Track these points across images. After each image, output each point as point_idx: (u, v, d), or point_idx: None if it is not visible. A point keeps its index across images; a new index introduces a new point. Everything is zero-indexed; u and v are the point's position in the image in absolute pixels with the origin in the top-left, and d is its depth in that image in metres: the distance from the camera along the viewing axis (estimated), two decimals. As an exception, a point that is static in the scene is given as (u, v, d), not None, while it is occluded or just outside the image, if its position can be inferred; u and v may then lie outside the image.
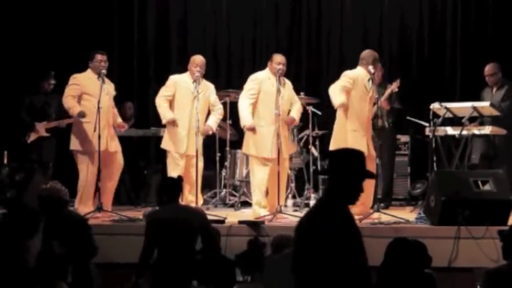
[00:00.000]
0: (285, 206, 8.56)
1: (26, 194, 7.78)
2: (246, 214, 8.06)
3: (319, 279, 3.51)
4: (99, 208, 7.63)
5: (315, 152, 9.36)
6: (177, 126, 7.97)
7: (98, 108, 7.61)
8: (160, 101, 8.05)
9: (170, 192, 5.75)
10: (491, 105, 8.13)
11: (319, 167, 9.33)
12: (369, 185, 7.69)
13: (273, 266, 5.53)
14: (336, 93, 7.50)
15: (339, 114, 7.67)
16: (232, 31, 10.74)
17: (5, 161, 8.99)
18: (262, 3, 10.72)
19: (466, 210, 6.73)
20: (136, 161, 9.80)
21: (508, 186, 7.07)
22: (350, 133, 7.56)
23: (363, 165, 3.72)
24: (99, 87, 7.75)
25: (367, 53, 7.74)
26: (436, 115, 8.23)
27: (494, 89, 8.62)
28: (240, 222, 7.15)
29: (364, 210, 7.48)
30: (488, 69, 8.64)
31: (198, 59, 8.05)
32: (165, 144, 8.11)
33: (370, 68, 7.59)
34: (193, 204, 7.58)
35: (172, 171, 7.90)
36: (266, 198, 7.77)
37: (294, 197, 9.13)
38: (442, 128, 8.20)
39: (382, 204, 8.08)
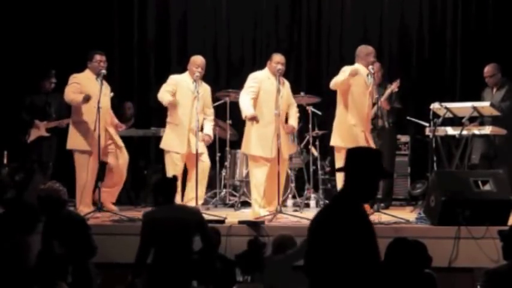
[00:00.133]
0: (285, 206, 8.57)
1: (25, 194, 7.77)
2: (246, 214, 8.06)
3: (333, 276, 3.50)
4: (99, 208, 7.64)
5: (315, 152, 9.36)
6: (175, 122, 7.97)
7: (98, 108, 7.60)
8: (162, 92, 8.00)
9: (166, 193, 5.74)
10: (492, 105, 8.13)
11: (319, 167, 9.33)
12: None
13: (273, 266, 5.54)
14: (339, 76, 7.50)
15: (340, 109, 7.68)
16: (232, 31, 10.74)
17: (5, 161, 8.99)
18: (262, 3, 10.72)
19: (466, 210, 6.72)
20: (136, 161, 9.80)
21: (508, 186, 7.06)
22: (350, 128, 7.57)
23: (379, 164, 3.72)
24: (98, 87, 7.74)
25: (359, 49, 7.78)
26: (436, 115, 8.23)
27: (495, 90, 8.62)
28: (240, 222, 7.14)
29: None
30: (487, 70, 8.64)
31: (198, 60, 8.04)
32: (165, 144, 8.10)
33: (370, 68, 7.61)
34: (192, 203, 7.59)
35: (171, 171, 7.90)
36: (264, 198, 7.77)
37: (294, 197, 9.13)
38: (442, 128, 8.20)
39: (382, 204, 8.08)
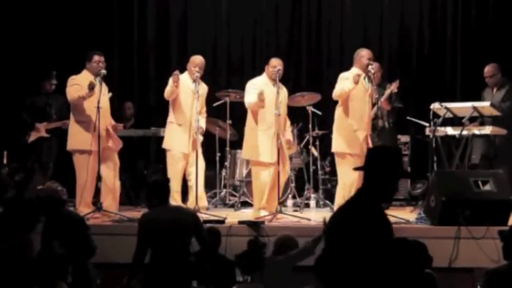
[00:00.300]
0: (285, 206, 8.56)
1: (25, 194, 7.77)
2: (246, 214, 8.06)
3: (350, 275, 3.50)
4: (99, 208, 7.63)
5: (315, 152, 9.36)
6: (178, 122, 7.97)
7: (98, 108, 7.60)
8: (167, 87, 8.00)
9: (160, 195, 5.73)
10: (492, 105, 8.12)
11: (319, 167, 9.33)
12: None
13: (274, 267, 5.53)
14: (341, 87, 7.49)
15: (338, 113, 7.66)
16: (232, 31, 10.73)
17: (5, 161, 8.99)
18: (262, 3, 10.71)
19: (466, 211, 6.72)
20: (136, 161, 9.80)
21: (509, 186, 7.06)
22: (353, 133, 7.55)
23: (399, 164, 3.71)
24: (97, 87, 7.73)
25: (355, 53, 7.76)
26: (436, 115, 8.23)
27: (495, 90, 8.62)
28: (240, 222, 7.14)
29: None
30: (487, 70, 8.64)
31: (197, 60, 8.04)
32: (167, 143, 8.09)
33: (370, 68, 7.60)
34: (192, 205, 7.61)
35: (173, 171, 7.90)
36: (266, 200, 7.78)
37: (294, 197, 9.13)
38: (443, 128, 8.19)
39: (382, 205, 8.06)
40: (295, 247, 5.67)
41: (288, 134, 8.02)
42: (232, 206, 8.96)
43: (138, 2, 10.73)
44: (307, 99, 9.13)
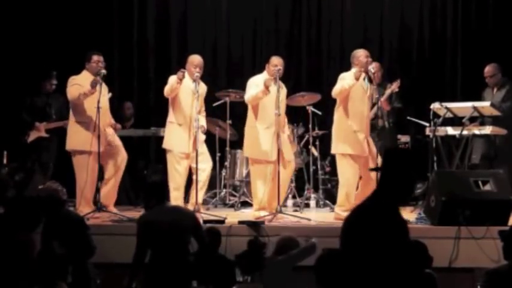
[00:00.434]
0: (285, 206, 8.56)
1: (25, 194, 7.76)
2: (246, 214, 8.06)
3: (366, 277, 3.48)
4: (99, 208, 7.63)
5: (315, 152, 9.36)
6: (178, 122, 7.97)
7: (98, 108, 7.59)
8: (167, 85, 7.99)
9: (157, 195, 5.73)
10: (492, 105, 8.12)
11: (319, 167, 9.33)
12: (370, 185, 7.68)
13: (274, 267, 5.53)
14: (342, 83, 7.48)
15: (338, 115, 7.66)
16: (232, 31, 10.73)
17: (5, 161, 8.98)
18: (262, 3, 10.71)
19: (466, 211, 6.72)
20: (136, 161, 9.79)
21: (509, 186, 7.06)
22: (353, 134, 7.55)
23: (416, 166, 3.70)
24: (97, 87, 7.73)
25: (352, 54, 7.75)
26: (436, 115, 8.22)
27: (495, 90, 8.62)
28: (240, 222, 7.14)
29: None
30: (487, 70, 8.63)
31: (196, 60, 8.01)
32: (167, 143, 8.08)
33: (370, 68, 7.60)
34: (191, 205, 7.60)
35: (175, 171, 7.90)
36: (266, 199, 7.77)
37: (294, 197, 9.12)
38: (443, 128, 8.19)
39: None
40: (296, 248, 5.67)
41: (286, 131, 8.01)
42: (232, 206, 8.96)
43: (138, 2, 10.72)
44: (307, 99, 9.13)
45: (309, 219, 7.45)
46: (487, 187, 6.98)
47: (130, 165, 8.55)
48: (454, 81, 10.31)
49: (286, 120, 8.14)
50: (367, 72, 7.61)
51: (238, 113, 8.95)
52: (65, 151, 8.06)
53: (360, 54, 7.63)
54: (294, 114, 9.27)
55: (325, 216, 8.00)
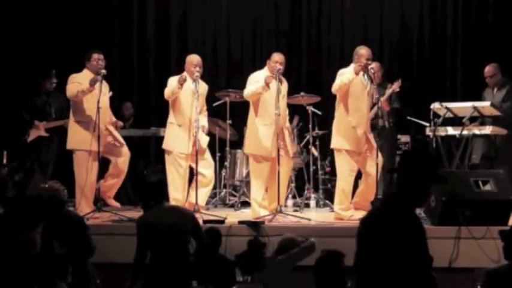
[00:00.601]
0: (285, 206, 8.55)
1: (26, 194, 7.75)
2: (246, 214, 8.05)
3: (383, 279, 3.47)
4: (99, 208, 7.63)
5: (315, 152, 9.35)
6: (178, 123, 7.97)
7: (98, 108, 7.59)
8: (168, 88, 7.97)
9: (156, 196, 5.73)
10: (492, 105, 8.12)
11: (319, 167, 9.32)
12: (370, 185, 7.69)
13: (274, 267, 5.53)
14: (341, 79, 7.48)
15: (339, 111, 7.67)
16: (232, 31, 10.72)
17: (5, 160, 8.98)
18: (262, 3, 10.70)
19: (466, 211, 6.71)
20: (136, 161, 9.78)
21: (509, 186, 7.06)
22: (351, 130, 7.56)
23: (433, 168, 3.68)
24: (97, 86, 7.73)
25: (355, 50, 7.76)
26: (436, 115, 8.22)
27: (495, 90, 8.61)
28: (240, 222, 7.13)
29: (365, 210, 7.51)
30: (487, 70, 8.63)
31: (195, 59, 8.01)
32: (167, 144, 8.06)
33: (370, 68, 7.60)
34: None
35: (175, 172, 7.90)
36: (266, 197, 7.77)
37: (294, 197, 9.12)
38: (443, 128, 8.18)
39: (382, 204, 8.05)
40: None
41: (288, 127, 8.03)
42: (232, 206, 8.95)
43: (138, 2, 10.72)
44: (307, 100, 9.13)
45: (309, 219, 7.44)
46: (487, 187, 6.98)
47: (130, 165, 8.55)
48: (454, 81, 10.30)
49: (287, 114, 8.13)
50: (367, 71, 7.61)
51: (238, 113, 8.94)
52: (66, 150, 8.06)
53: (362, 54, 7.62)
54: (294, 114, 9.27)
55: (325, 216, 7.99)
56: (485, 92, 8.72)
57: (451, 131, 8.21)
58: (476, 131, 8.14)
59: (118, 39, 10.65)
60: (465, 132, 8.06)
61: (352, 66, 7.63)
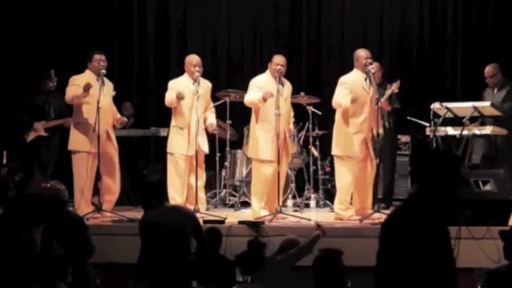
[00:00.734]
0: (285, 206, 8.55)
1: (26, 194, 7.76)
2: (246, 214, 8.05)
3: (406, 280, 3.46)
4: (99, 208, 7.63)
5: (315, 152, 9.35)
6: (180, 126, 7.97)
7: (98, 108, 7.59)
8: (168, 95, 7.98)
9: (157, 196, 5.73)
10: (492, 105, 8.11)
11: (319, 167, 9.32)
12: (366, 187, 7.68)
13: (274, 267, 5.53)
14: (341, 98, 7.51)
15: (338, 116, 7.67)
16: (232, 31, 10.72)
17: (5, 160, 8.97)
18: (262, 3, 10.70)
19: (466, 211, 6.70)
20: (136, 161, 9.78)
21: (509, 186, 7.05)
22: (351, 137, 7.55)
23: (457, 171, 3.64)
24: (97, 87, 7.73)
25: (355, 53, 7.77)
26: (436, 115, 8.21)
27: (495, 90, 8.61)
28: (240, 222, 7.13)
29: (364, 212, 7.52)
30: (488, 70, 8.62)
31: (194, 59, 8.02)
32: (170, 147, 8.07)
33: (370, 68, 7.60)
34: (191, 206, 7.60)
35: (174, 172, 7.91)
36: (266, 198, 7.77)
37: (294, 197, 9.11)
38: (443, 128, 8.17)
39: (382, 205, 8.07)
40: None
41: (291, 124, 8.02)
42: (232, 206, 8.95)
43: (138, 2, 10.72)
44: (307, 100, 9.13)
45: (309, 219, 7.44)
46: (488, 187, 6.97)
47: (130, 165, 8.55)
48: (454, 81, 10.30)
49: (292, 116, 8.15)
50: (367, 72, 7.61)
51: (238, 113, 8.94)
52: (66, 150, 8.07)
53: (361, 55, 7.63)
54: (294, 114, 9.26)
55: (325, 216, 7.99)
56: (485, 92, 8.71)
57: (451, 131, 8.20)
58: (477, 131, 8.14)
59: (118, 39, 10.65)
60: (465, 132, 8.05)
61: (354, 72, 7.63)
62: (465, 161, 8.18)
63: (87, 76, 7.91)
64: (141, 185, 6.96)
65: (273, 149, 7.60)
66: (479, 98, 8.58)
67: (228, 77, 10.52)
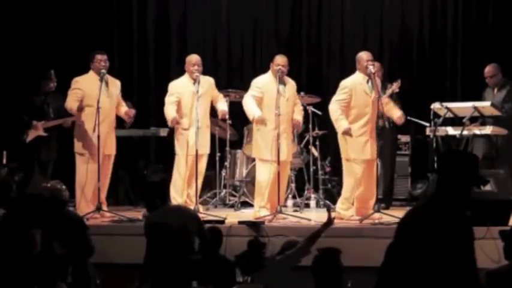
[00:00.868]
0: (285, 206, 8.55)
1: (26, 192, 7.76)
2: (246, 214, 8.05)
3: (425, 281, 3.45)
4: (99, 208, 7.63)
5: (315, 152, 9.34)
6: (183, 127, 7.98)
7: (98, 108, 7.60)
8: (167, 106, 8.03)
9: (160, 196, 5.73)
10: (493, 105, 8.11)
11: (319, 167, 9.31)
12: (370, 187, 7.68)
13: (274, 267, 5.53)
14: (337, 118, 7.56)
15: None
16: (232, 31, 10.71)
17: (4, 161, 8.97)
18: (262, 3, 10.69)
19: (466, 211, 6.68)
20: (136, 161, 9.78)
21: (509, 186, 7.05)
22: (352, 139, 7.54)
23: (475, 170, 3.64)
24: (97, 87, 7.75)
25: (357, 56, 7.77)
26: (436, 115, 8.21)
27: (495, 90, 8.61)
28: (240, 222, 7.13)
29: (365, 212, 7.51)
30: (488, 70, 8.62)
31: (193, 59, 8.05)
32: (176, 148, 8.11)
33: (370, 68, 7.59)
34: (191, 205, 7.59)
35: (176, 172, 7.97)
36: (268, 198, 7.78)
37: (294, 197, 9.11)
38: (443, 128, 8.17)
39: (382, 205, 8.07)
40: None
41: (298, 115, 7.97)
42: (232, 206, 8.95)
43: (138, 2, 10.71)
44: (307, 100, 9.13)
45: (309, 220, 7.44)
46: (488, 187, 6.96)
47: (130, 165, 8.55)
48: (454, 81, 10.29)
49: (301, 108, 8.15)
50: (369, 75, 7.61)
51: (238, 113, 8.94)
52: (66, 149, 8.08)
53: (362, 57, 7.65)
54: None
55: (325, 217, 7.94)
56: (485, 92, 8.71)
57: (451, 131, 8.19)
58: (477, 131, 8.13)
59: (118, 39, 10.64)
60: (465, 132, 8.05)
61: (356, 74, 7.63)
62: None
63: (89, 78, 7.94)
64: (144, 184, 6.96)
65: (272, 149, 7.60)
66: (480, 98, 8.57)
67: (228, 77, 10.51)
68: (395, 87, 8.63)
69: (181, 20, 10.72)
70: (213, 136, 9.17)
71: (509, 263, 4.57)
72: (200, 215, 7.17)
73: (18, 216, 5.50)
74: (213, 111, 8.91)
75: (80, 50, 9.42)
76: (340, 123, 7.55)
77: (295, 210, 8.51)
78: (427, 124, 8.46)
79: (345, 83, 7.65)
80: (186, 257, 5.54)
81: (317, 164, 9.31)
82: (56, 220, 5.72)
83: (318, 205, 9.05)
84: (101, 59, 7.98)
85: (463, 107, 8.24)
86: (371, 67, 7.60)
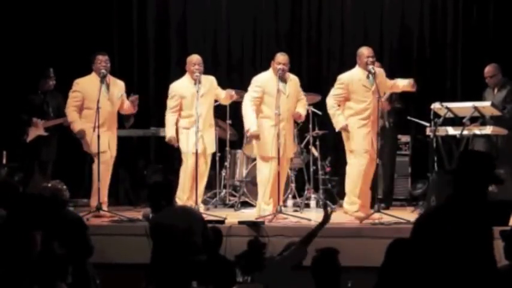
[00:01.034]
0: (285, 206, 8.55)
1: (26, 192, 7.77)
2: (246, 214, 8.06)
3: (443, 280, 3.44)
4: (99, 208, 7.64)
5: (315, 152, 9.34)
6: (186, 128, 8.01)
7: (97, 108, 7.61)
8: (168, 116, 8.06)
9: (166, 196, 5.74)
10: (493, 105, 8.11)
11: (319, 167, 9.31)
12: (368, 187, 7.68)
13: (274, 267, 5.53)
14: (334, 113, 7.59)
15: (343, 114, 7.67)
16: (232, 31, 10.72)
17: (4, 161, 8.97)
18: (262, 3, 10.69)
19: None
20: (136, 161, 9.78)
21: (510, 186, 7.04)
22: (354, 131, 7.55)
23: (491, 170, 3.65)
24: (97, 87, 7.76)
25: (358, 51, 7.79)
26: (437, 115, 8.21)
27: (496, 90, 8.61)
28: (240, 222, 7.14)
29: (364, 210, 7.51)
30: (488, 70, 8.62)
31: (194, 58, 8.06)
32: (180, 146, 8.11)
33: (370, 68, 7.59)
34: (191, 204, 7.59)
35: (183, 171, 7.97)
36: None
37: (294, 197, 9.11)
38: (443, 128, 8.17)
39: (382, 205, 8.07)
40: None
41: (301, 109, 7.97)
42: (232, 206, 8.95)
43: (138, 2, 10.71)
44: (308, 99, 9.11)
45: (309, 220, 7.44)
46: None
47: (130, 165, 8.55)
48: (454, 81, 10.29)
49: (306, 102, 8.18)
50: (369, 71, 7.61)
51: (238, 113, 8.92)
52: (65, 149, 8.09)
53: (363, 53, 7.66)
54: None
55: (325, 217, 7.97)
56: (485, 92, 8.71)
57: (451, 131, 8.19)
58: (477, 131, 8.13)
59: (118, 39, 10.64)
60: (465, 132, 8.05)
61: (356, 68, 7.62)
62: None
63: (91, 79, 7.97)
64: (149, 185, 6.99)
65: (272, 146, 7.60)
66: (480, 98, 8.57)
67: (228, 77, 10.51)
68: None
69: (181, 20, 10.71)
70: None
71: (509, 263, 4.56)
72: (201, 215, 7.21)
73: (19, 217, 5.50)
74: (216, 110, 8.93)
75: (80, 49, 9.41)
76: (337, 119, 7.56)
77: (296, 210, 8.52)
78: (427, 124, 8.45)
79: (341, 78, 7.66)
80: (191, 257, 5.54)
81: (317, 164, 9.31)
82: (55, 220, 5.72)
83: (318, 205, 9.05)
84: (102, 60, 7.99)
85: (463, 107, 8.24)
86: (371, 67, 7.59)
